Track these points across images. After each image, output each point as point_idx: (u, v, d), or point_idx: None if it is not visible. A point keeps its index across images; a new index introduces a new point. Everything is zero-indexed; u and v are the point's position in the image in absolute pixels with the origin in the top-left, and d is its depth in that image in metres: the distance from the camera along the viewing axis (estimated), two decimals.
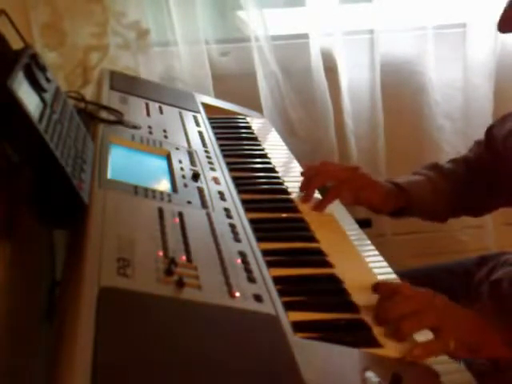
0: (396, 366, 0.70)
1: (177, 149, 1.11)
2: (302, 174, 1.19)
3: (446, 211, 1.26)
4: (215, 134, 1.32)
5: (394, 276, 0.96)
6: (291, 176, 1.24)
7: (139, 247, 0.74)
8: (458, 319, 0.82)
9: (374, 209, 1.20)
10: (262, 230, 0.96)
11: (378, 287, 0.87)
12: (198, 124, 1.33)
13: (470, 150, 1.28)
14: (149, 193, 0.89)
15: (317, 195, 1.16)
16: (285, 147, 1.42)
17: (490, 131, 1.23)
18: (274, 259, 0.89)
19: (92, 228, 0.75)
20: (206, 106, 1.48)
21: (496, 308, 1.03)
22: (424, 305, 0.81)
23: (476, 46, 1.93)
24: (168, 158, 1.06)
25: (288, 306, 0.77)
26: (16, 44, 0.89)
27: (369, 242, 1.07)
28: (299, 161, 1.33)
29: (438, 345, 0.78)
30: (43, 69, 0.89)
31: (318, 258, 0.94)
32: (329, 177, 1.16)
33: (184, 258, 0.75)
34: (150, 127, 1.17)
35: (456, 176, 1.24)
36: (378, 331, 0.78)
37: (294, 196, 1.14)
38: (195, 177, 1.01)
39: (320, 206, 1.11)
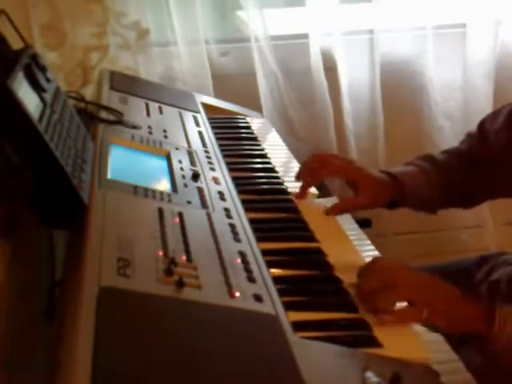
0: (396, 365, 0.70)
1: (177, 149, 1.11)
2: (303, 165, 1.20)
3: (437, 203, 1.27)
4: (215, 134, 1.32)
5: None
6: (291, 176, 1.23)
7: (139, 247, 0.74)
8: (432, 289, 0.84)
9: (366, 208, 1.21)
10: (261, 230, 0.96)
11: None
12: (197, 124, 1.33)
13: (462, 142, 1.28)
14: (149, 193, 0.89)
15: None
16: (285, 147, 1.42)
17: (482, 125, 1.23)
18: (273, 259, 0.89)
19: (92, 228, 0.75)
20: (206, 106, 1.48)
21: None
22: (395, 278, 0.83)
23: (476, 46, 1.93)
24: (168, 158, 1.06)
25: (288, 306, 0.77)
26: (16, 44, 0.89)
27: (369, 241, 1.07)
28: (299, 161, 1.33)
29: (409, 313, 0.81)
30: (43, 69, 0.89)
31: (317, 257, 0.94)
32: (324, 158, 1.18)
33: (184, 258, 0.75)
34: (149, 127, 1.17)
35: (449, 168, 1.24)
36: (378, 331, 0.78)
37: (293, 196, 1.14)
38: (195, 177, 1.01)
39: (302, 193, 1.14)
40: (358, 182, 1.16)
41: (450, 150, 1.28)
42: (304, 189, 1.14)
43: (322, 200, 1.18)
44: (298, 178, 1.16)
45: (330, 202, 1.16)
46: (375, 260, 0.89)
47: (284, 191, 1.16)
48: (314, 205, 1.14)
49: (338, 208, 1.13)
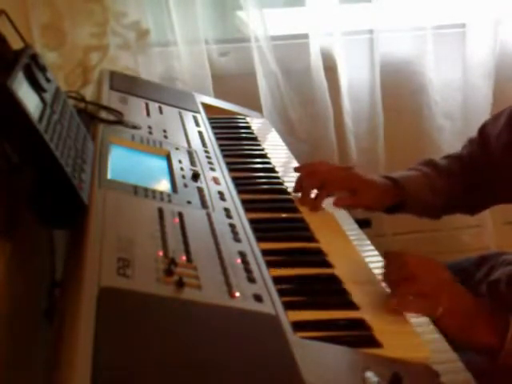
0: (396, 365, 0.70)
1: (177, 149, 1.11)
2: (296, 170, 1.19)
3: (440, 208, 1.27)
4: (215, 134, 1.32)
5: None
6: (291, 176, 1.23)
7: (139, 247, 0.74)
8: (454, 294, 0.85)
9: (368, 209, 1.21)
10: (261, 230, 0.96)
11: (387, 255, 0.91)
12: (197, 124, 1.33)
13: (463, 148, 1.27)
14: (149, 193, 0.89)
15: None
16: (285, 147, 1.42)
17: (483, 129, 1.23)
18: (273, 259, 0.89)
19: (92, 228, 0.75)
20: (206, 106, 1.48)
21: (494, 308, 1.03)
22: (423, 272, 0.84)
23: (475, 46, 1.94)
24: (168, 158, 1.06)
25: (288, 306, 0.77)
26: (16, 44, 0.89)
27: (369, 242, 1.07)
28: (299, 161, 1.33)
29: (423, 304, 0.82)
30: (43, 69, 0.89)
31: (317, 258, 0.94)
32: (323, 177, 1.15)
33: (184, 258, 0.75)
34: (149, 127, 1.17)
35: (450, 173, 1.24)
36: (378, 331, 0.78)
37: (293, 196, 1.14)
38: (195, 177, 1.01)
39: (315, 207, 1.12)
40: (359, 188, 1.15)
41: (451, 155, 1.28)
42: (316, 207, 1.13)
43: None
44: (302, 202, 1.13)
45: (330, 202, 1.15)
46: (408, 254, 0.91)
47: (284, 191, 1.16)
48: None
49: (341, 200, 1.13)
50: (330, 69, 1.85)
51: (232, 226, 0.91)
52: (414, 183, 1.20)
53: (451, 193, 1.23)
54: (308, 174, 1.16)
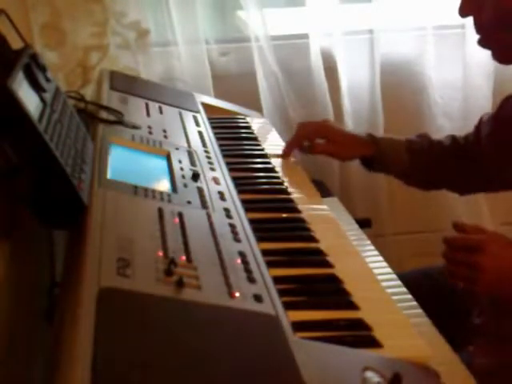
0: (396, 365, 0.70)
1: (177, 149, 1.11)
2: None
3: (424, 177, 1.33)
4: (215, 134, 1.32)
5: (393, 276, 0.96)
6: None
7: (139, 247, 0.74)
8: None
9: (341, 159, 1.40)
10: (261, 230, 0.96)
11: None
12: (197, 124, 1.33)
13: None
14: (149, 193, 0.89)
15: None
16: None
17: (481, 117, 1.29)
18: (273, 259, 0.89)
19: (92, 228, 0.75)
20: (206, 106, 1.48)
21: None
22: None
23: (475, 46, 1.93)
24: (168, 158, 1.06)
25: (288, 306, 0.77)
26: (16, 44, 0.90)
27: (369, 241, 1.07)
28: (299, 161, 1.33)
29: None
30: (43, 69, 0.89)
31: (317, 258, 0.94)
32: (299, 125, 1.37)
33: (184, 258, 0.75)
34: (149, 127, 1.17)
35: (442, 146, 1.31)
36: (378, 331, 0.78)
37: (294, 196, 1.14)
38: (195, 177, 1.01)
39: (286, 152, 1.32)
40: (329, 135, 1.31)
41: (450, 134, 1.34)
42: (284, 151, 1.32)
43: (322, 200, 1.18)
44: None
45: (329, 202, 1.15)
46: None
47: (284, 191, 1.16)
48: (314, 205, 1.14)
49: (318, 146, 1.31)
50: (330, 69, 1.85)
51: (232, 226, 0.91)
52: (391, 142, 1.32)
53: (440, 164, 1.29)
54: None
